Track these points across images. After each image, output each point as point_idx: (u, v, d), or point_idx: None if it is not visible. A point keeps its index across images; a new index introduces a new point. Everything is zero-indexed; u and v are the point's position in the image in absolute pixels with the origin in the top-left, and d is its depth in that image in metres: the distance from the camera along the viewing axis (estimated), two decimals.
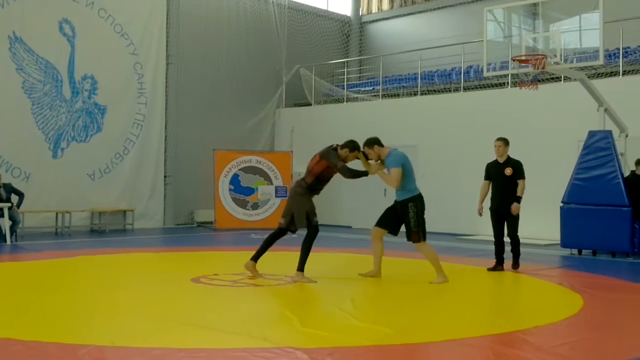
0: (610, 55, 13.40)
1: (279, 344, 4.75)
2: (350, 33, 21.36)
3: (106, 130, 15.45)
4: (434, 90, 17.09)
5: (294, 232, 7.93)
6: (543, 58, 10.09)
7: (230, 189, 16.15)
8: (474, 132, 14.80)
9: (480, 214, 8.98)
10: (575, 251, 11.36)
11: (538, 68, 10.10)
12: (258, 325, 5.44)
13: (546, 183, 12.30)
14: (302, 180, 7.90)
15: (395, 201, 7.91)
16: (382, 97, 17.70)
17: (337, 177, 7.96)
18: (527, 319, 5.92)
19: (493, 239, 9.09)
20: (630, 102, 12.28)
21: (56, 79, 14.70)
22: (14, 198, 12.49)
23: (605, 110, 11.04)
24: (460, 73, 16.24)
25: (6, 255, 10.58)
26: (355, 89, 18.79)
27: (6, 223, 12.00)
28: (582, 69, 11.89)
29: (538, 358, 4.56)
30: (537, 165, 11.73)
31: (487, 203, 9.06)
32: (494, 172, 8.97)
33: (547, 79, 13.66)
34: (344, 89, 18.51)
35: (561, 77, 13.59)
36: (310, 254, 7.82)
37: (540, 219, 12.29)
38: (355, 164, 7.89)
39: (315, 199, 7.94)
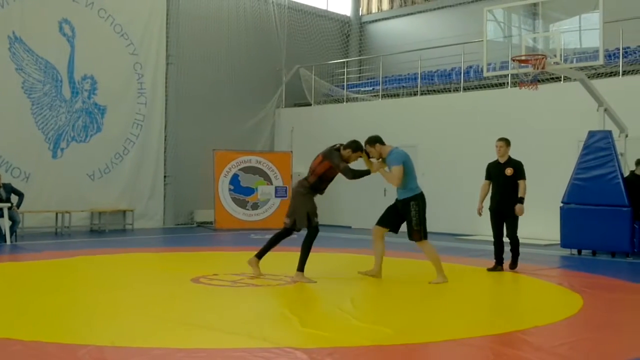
0: (610, 56, 13.40)
1: (278, 344, 4.75)
2: (350, 33, 21.36)
3: (106, 131, 15.45)
4: (434, 91, 17.09)
5: (298, 231, 7.94)
6: (543, 58, 10.09)
7: (230, 189, 16.15)
8: (473, 132, 14.81)
9: (480, 214, 8.98)
10: (575, 251, 11.36)
11: (538, 68, 10.10)
12: (258, 325, 5.43)
13: (546, 183, 12.30)
14: (304, 180, 7.91)
15: (397, 200, 7.91)
16: (382, 97, 17.70)
17: (338, 177, 7.97)
18: (527, 319, 5.92)
19: (492, 239, 9.10)
20: (630, 102, 12.28)
21: (56, 79, 14.70)
22: (14, 198, 12.49)
23: (605, 110, 11.04)
24: (460, 73, 16.25)
25: (6, 255, 10.58)
26: (355, 89, 18.79)
27: (6, 223, 12.00)
28: (582, 69, 11.90)
29: (538, 358, 4.56)
30: (537, 165, 11.73)
31: (487, 203, 9.06)
32: (494, 172, 8.97)
33: (547, 79, 13.66)
34: (343, 89, 18.51)
35: (561, 77, 13.59)
36: (310, 254, 7.83)
37: (540, 219, 12.29)
38: (356, 163, 7.90)
39: (315, 198, 7.94)
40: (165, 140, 16.58)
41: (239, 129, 17.73)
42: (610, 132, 11.02)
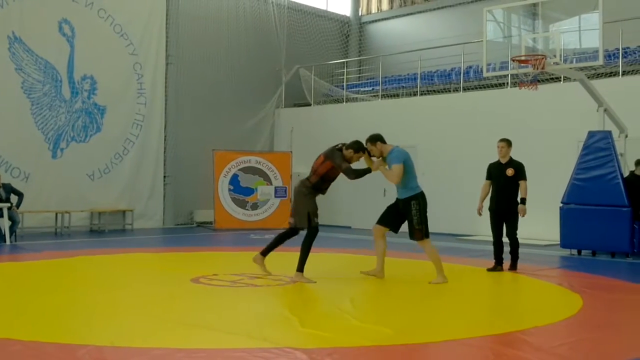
0: (610, 56, 13.41)
1: (278, 344, 4.75)
2: (350, 33, 21.36)
3: (106, 131, 15.45)
4: (434, 91, 17.09)
5: (303, 230, 7.96)
6: (543, 58, 10.09)
7: (229, 189, 16.15)
8: (473, 133, 14.81)
9: (480, 214, 8.99)
10: (574, 251, 11.37)
11: (538, 68, 10.10)
12: (257, 326, 5.44)
13: (546, 183, 12.30)
14: (306, 180, 7.93)
15: (397, 199, 7.92)
16: (381, 97, 17.70)
17: (339, 177, 7.99)
18: (527, 320, 5.92)
19: (492, 240, 9.10)
20: (630, 102, 12.28)
21: (55, 79, 14.70)
22: (14, 198, 12.49)
23: (605, 110, 11.04)
24: (460, 73, 16.25)
25: (6, 255, 10.57)
26: (354, 89, 18.80)
27: (6, 223, 12.00)
28: (581, 69, 11.90)
29: (537, 358, 4.56)
30: (537, 165, 11.73)
31: (487, 203, 9.07)
32: (495, 172, 8.98)
33: (547, 79, 13.67)
34: (343, 89, 18.51)
35: (561, 77, 13.60)
36: (310, 254, 7.83)
37: (539, 219, 12.28)
38: (357, 163, 7.90)
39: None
40: (164, 140, 16.58)
41: (238, 129, 17.74)
42: (610, 132, 11.03)
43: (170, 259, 10.49)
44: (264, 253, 8.13)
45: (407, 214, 7.76)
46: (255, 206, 16.36)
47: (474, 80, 16.08)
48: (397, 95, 17.85)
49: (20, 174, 13.97)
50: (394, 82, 18.27)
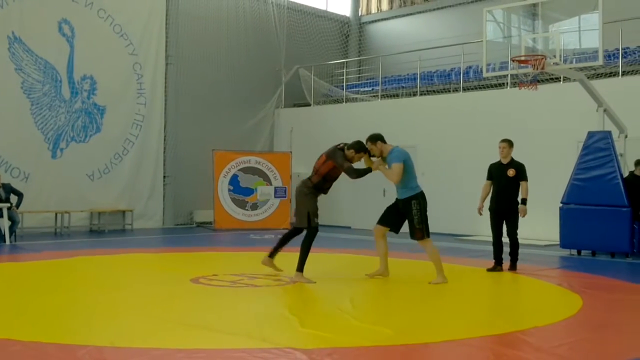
0: (610, 56, 13.40)
1: (278, 345, 4.75)
2: (350, 33, 21.36)
3: (105, 131, 15.45)
4: (434, 91, 17.09)
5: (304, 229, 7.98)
6: (542, 58, 10.09)
7: (229, 190, 16.14)
8: (473, 133, 14.81)
9: (481, 213, 9.00)
10: (574, 252, 11.37)
11: (537, 68, 10.10)
12: (257, 326, 5.44)
13: (545, 183, 12.30)
14: (308, 180, 7.96)
15: (397, 199, 7.92)
16: (381, 97, 17.70)
17: (340, 177, 8.01)
18: (527, 320, 5.92)
19: (492, 240, 9.11)
20: (630, 102, 12.28)
21: (55, 79, 14.70)
22: (13, 198, 12.49)
23: (605, 110, 11.04)
24: (460, 73, 16.25)
25: (5, 255, 10.57)
26: (354, 89, 18.79)
27: (5, 223, 12.00)
28: (581, 69, 11.90)
29: (537, 359, 4.57)
30: (537, 165, 11.73)
31: (487, 203, 9.07)
32: (496, 172, 8.99)
33: (547, 80, 13.67)
34: (343, 89, 18.51)
35: (560, 77, 13.60)
36: (310, 254, 7.84)
37: (539, 220, 12.28)
38: (357, 163, 7.92)
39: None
40: (164, 140, 16.57)
41: (238, 129, 17.73)
42: (609, 132, 11.03)
43: (170, 259, 10.49)
44: (272, 255, 8.23)
45: (408, 214, 7.77)
46: (255, 206, 16.36)
47: (473, 80, 16.08)
48: (397, 96, 17.85)
49: (20, 174, 13.97)
50: (393, 82, 18.27)
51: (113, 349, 4.61)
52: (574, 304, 6.59)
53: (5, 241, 11.93)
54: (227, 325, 5.46)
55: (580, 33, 10.67)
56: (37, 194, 14.06)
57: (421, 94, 16.81)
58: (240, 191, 16.25)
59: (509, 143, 8.99)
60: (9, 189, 12.46)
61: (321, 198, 8.03)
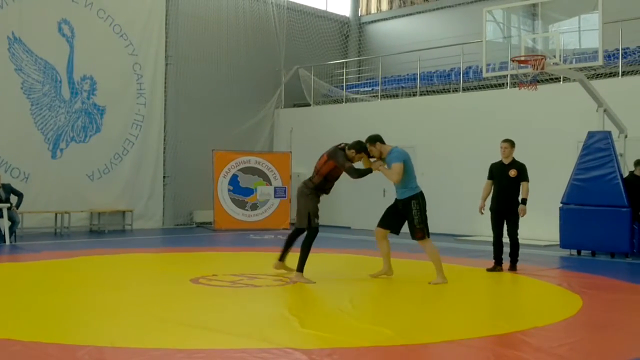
0: (610, 56, 13.41)
1: (278, 345, 4.75)
2: (349, 34, 21.36)
3: (105, 131, 15.45)
4: (433, 91, 17.08)
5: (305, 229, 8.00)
6: (542, 59, 10.09)
7: (229, 190, 16.14)
8: (473, 133, 14.81)
9: (482, 212, 9.01)
10: (574, 252, 11.37)
11: (537, 69, 10.10)
12: (257, 326, 5.44)
13: (545, 184, 12.29)
14: (309, 181, 8.00)
15: (397, 200, 7.93)
16: (381, 97, 17.70)
17: (340, 177, 8.02)
18: (527, 320, 5.92)
19: (492, 240, 9.12)
20: (630, 102, 12.28)
21: (55, 80, 14.70)
22: (13, 198, 12.48)
23: (605, 111, 11.04)
24: (460, 74, 16.25)
25: (5, 255, 10.57)
26: (354, 89, 18.80)
27: (5, 223, 12.00)
28: (581, 69, 11.90)
29: (537, 359, 4.57)
30: (537, 165, 11.73)
31: (487, 202, 9.08)
32: (497, 172, 9.00)
33: (547, 80, 13.67)
34: (343, 89, 18.51)
35: (560, 77, 13.60)
36: (310, 254, 7.84)
37: (539, 220, 12.29)
38: (357, 163, 7.94)
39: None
40: (164, 140, 16.57)
41: (238, 129, 17.72)
42: (609, 132, 11.03)
43: (169, 259, 10.49)
44: (281, 259, 8.28)
45: (408, 214, 7.77)
46: (254, 206, 16.35)
47: (473, 80, 16.08)
48: (397, 96, 17.85)
49: (20, 174, 13.97)
50: (393, 82, 18.27)
51: (113, 349, 4.61)
52: (574, 304, 6.59)
53: (5, 241, 11.93)
54: (227, 326, 5.46)
55: (580, 33, 10.67)
56: (37, 194, 14.06)
57: (421, 94, 16.81)
58: (240, 191, 16.24)
59: (511, 143, 9.00)
60: (9, 189, 12.46)
61: (321, 198, 8.04)
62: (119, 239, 13.58)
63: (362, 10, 21.97)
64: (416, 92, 16.89)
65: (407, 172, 7.75)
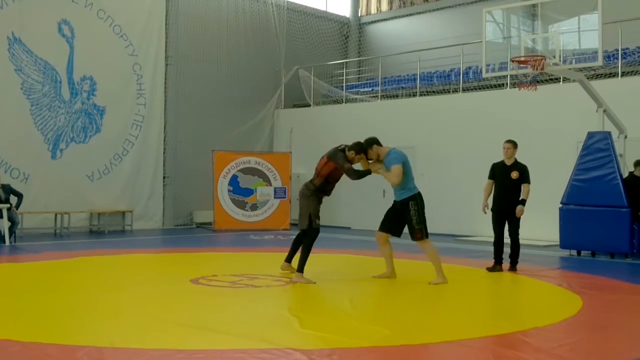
0: (609, 57, 13.41)
1: (278, 345, 4.75)
2: (349, 34, 21.36)
3: (105, 131, 15.45)
4: (433, 91, 17.08)
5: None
6: (542, 59, 10.09)
7: (229, 190, 16.14)
8: (473, 133, 14.81)
9: (485, 212, 9.02)
10: (574, 252, 11.37)
11: (537, 69, 10.10)
12: (257, 326, 5.44)
13: (545, 184, 12.29)
14: (310, 183, 8.05)
15: (395, 201, 7.94)
16: (381, 98, 17.70)
17: (341, 178, 8.04)
18: (527, 320, 5.92)
19: (492, 240, 9.14)
20: (629, 103, 12.29)
21: (55, 80, 14.70)
22: (13, 199, 12.48)
23: (604, 111, 11.04)
24: (459, 74, 16.25)
25: (5, 256, 10.57)
26: (354, 89, 18.80)
27: (5, 224, 11.99)
28: (581, 70, 11.89)
29: (537, 359, 4.56)
30: (537, 166, 11.70)
31: (488, 202, 9.09)
32: (499, 172, 9.01)
33: (546, 80, 13.67)
34: (342, 89, 18.51)
35: (560, 78, 13.60)
36: (310, 255, 7.85)
37: (539, 220, 12.29)
38: (355, 165, 7.95)
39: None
40: (164, 140, 16.57)
41: (238, 129, 17.72)
42: (609, 133, 11.03)
43: (169, 259, 10.49)
44: (288, 260, 8.33)
45: (406, 215, 7.78)
46: (254, 207, 16.35)
47: (473, 81, 16.09)
48: (397, 96, 17.85)
49: (19, 174, 13.97)
50: (393, 82, 18.27)
51: (113, 350, 4.61)
52: (574, 305, 6.59)
53: (5, 242, 11.93)
54: (227, 326, 5.46)
55: (579, 33, 10.67)
56: (36, 194, 14.06)
57: (421, 95, 16.81)
58: (240, 192, 16.24)
59: (514, 144, 9.00)
60: (8, 190, 12.46)
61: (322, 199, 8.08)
62: (119, 239, 13.57)
63: (362, 10, 21.97)
64: (416, 92, 16.89)
65: (406, 173, 7.77)
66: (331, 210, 15.55)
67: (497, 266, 8.97)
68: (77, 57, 14.93)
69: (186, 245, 12.68)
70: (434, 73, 17.33)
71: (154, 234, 15.06)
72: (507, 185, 8.89)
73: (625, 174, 11.35)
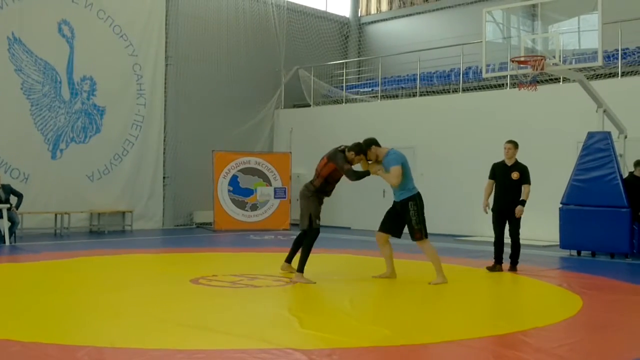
0: (609, 57, 13.41)
1: (278, 345, 4.75)
2: (349, 34, 21.37)
3: (105, 131, 15.45)
4: (433, 92, 17.09)
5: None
6: (542, 59, 10.09)
7: (229, 190, 16.14)
8: (472, 134, 14.81)
9: (486, 211, 9.02)
10: (574, 252, 11.37)
11: (537, 69, 10.10)
12: (257, 326, 5.44)
13: (545, 184, 12.29)
14: (310, 184, 8.07)
15: (394, 202, 7.94)
16: (380, 98, 17.70)
17: (341, 178, 8.05)
18: (527, 320, 5.92)
19: (492, 240, 9.15)
20: (629, 103, 12.29)
21: (55, 80, 14.70)
22: (13, 199, 12.48)
23: (604, 111, 11.04)
24: (459, 74, 16.25)
25: (5, 256, 10.56)
26: (354, 90, 18.80)
27: (5, 224, 11.99)
28: (581, 70, 11.90)
29: (537, 359, 4.56)
30: (537, 166, 11.69)
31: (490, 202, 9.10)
32: (499, 173, 9.02)
33: (546, 80, 13.67)
34: (342, 90, 18.51)
35: (560, 78, 13.60)
36: (310, 255, 7.86)
37: (539, 220, 12.29)
38: (355, 166, 7.96)
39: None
40: (164, 141, 16.57)
41: (238, 129, 17.72)
42: (609, 133, 11.03)
43: (169, 259, 10.49)
44: (288, 260, 8.35)
45: (406, 215, 7.79)
46: (254, 207, 16.35)
47: (473, 81, 16.09)
48: (397, 96, 17.85)
49: (19, 174, 13.97)
50: (393, 83, 18.27)
51: (113, 350, 4.61)
52: (574, 305, 6.58)
53: (5, 242, 11.93)
54: (227, 326, 5.46)
55: (579, 34, 10.67)
56: (36, 194, 14.06)
57: (421, 95, 16.82)
58: (240, 192, 16.24)
59: (515, 144, 9.01)
60: (8, 190, 12.46)
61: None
62: (119, 239, 13.57)
63: (362, 10, 21.97)
64: (416, 92, 16.89)
65: (405, 173, 7.78)
66: (331, 210, 15.54)
67: (497, 266, 8.97)
68: (77, 57, 14.93)
69: (186, 245, 12.68)
70: (433, 73, 17.33)
71: (154, 234, 15.06)
72: (508, 185, 8.89)
73: (625, 174, 11.35)
